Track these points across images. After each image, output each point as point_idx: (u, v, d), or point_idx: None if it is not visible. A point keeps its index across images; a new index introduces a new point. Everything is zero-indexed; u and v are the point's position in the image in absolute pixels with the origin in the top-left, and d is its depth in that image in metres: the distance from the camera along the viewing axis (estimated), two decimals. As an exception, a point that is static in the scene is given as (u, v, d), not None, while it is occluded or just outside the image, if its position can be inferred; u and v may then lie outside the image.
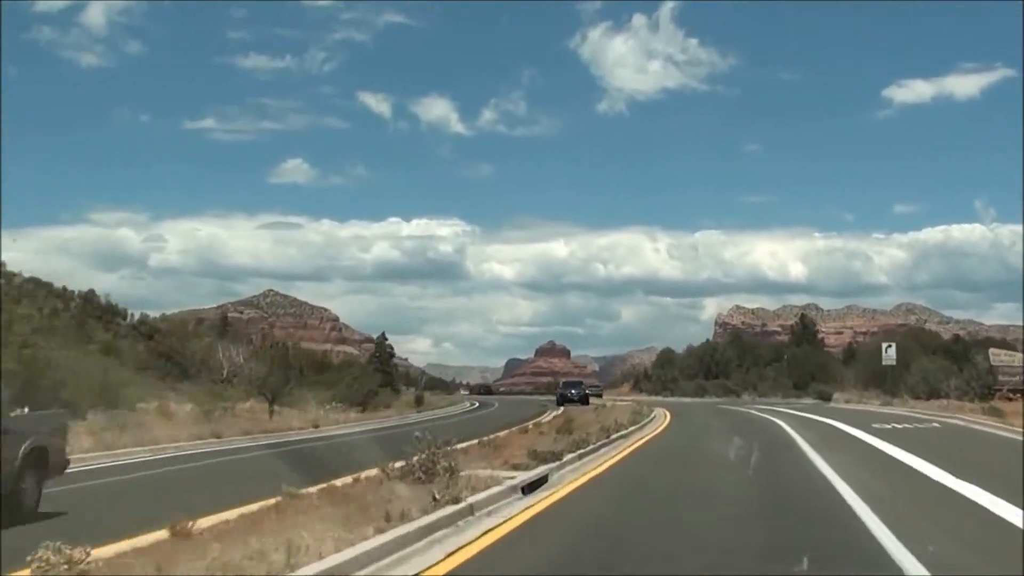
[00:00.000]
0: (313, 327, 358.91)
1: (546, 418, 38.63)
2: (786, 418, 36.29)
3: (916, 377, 57.37)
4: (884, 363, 51.71)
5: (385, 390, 67.34)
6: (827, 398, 62.72)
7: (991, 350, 50.29)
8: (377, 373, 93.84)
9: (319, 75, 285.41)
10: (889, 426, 29.26)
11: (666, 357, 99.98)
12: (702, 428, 32.68)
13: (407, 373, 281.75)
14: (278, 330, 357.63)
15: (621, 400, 64.84)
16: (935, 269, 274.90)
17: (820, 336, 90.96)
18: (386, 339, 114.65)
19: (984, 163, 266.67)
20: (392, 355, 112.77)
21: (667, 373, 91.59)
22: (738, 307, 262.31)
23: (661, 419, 38.33)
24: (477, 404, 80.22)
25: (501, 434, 24.93)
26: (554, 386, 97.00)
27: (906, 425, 30.48)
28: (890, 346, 51.67)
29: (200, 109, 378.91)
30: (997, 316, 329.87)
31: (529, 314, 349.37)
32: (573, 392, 62.33)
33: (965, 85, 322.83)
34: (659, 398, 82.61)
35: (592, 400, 61.27)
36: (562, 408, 52.30)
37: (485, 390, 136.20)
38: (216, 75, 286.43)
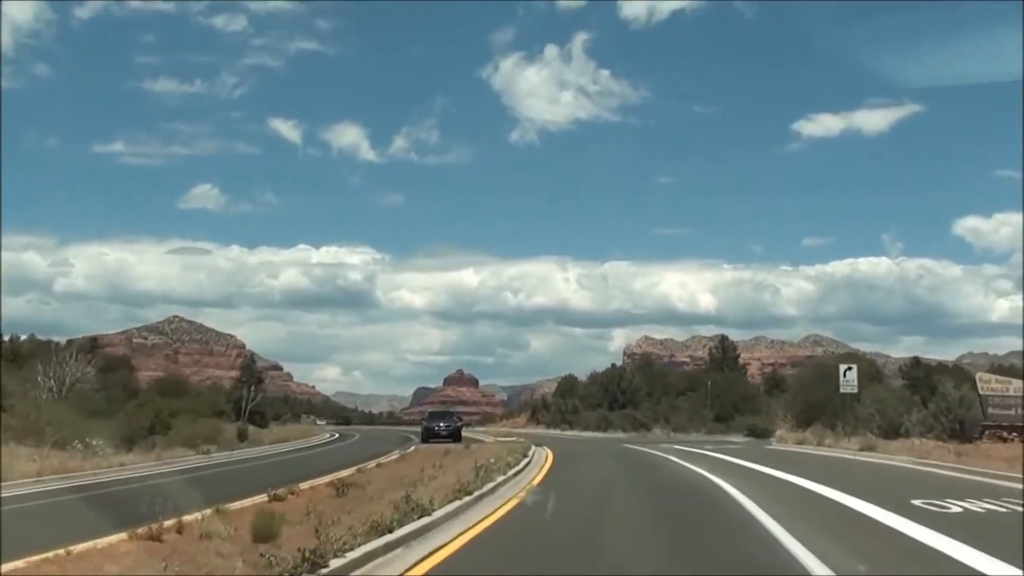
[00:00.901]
0: (219, 354, 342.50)
1: (380, 460, 28.32)
2: (726, 472, 21.91)
3: (869, 409, 44.41)
4: (843, 390, 37.95)
5: (212, 420, 52.01)
6: (761, 435, 49.04)
7: (979, 375, 37.25)
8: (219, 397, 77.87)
9: (229, 100, 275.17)
10: (947, 507, 14.21)
11: (567, 385, 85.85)
12: (593, 499, 17.33)
13: (309, 401, 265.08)
14: (183, 356, 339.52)
15: (503, 437, 50.25)
16: (842, 301, 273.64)
17: (742, 363, 78.22)
18: (254, 362, 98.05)
19: (892, 197, 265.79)
20: (261, 380, 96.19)
21: (568, 403, 77.53)
22: (646, 338, 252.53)
23: (535, 469, 23.80)
24: (335, 436, 71.12)
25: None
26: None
27: (972, 505, 14.44)
28: (850, 368, 37.90)
29: (109, 133, 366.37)
30: (903, 349, 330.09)
31: (439, 343, 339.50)
32: (441, 426, 47.30)
33: (873, 120, 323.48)
34: (555, 432, 68.07)
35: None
36: (418, 446, 38.28)
37: (345, 420, 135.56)
38: (125, 99, 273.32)
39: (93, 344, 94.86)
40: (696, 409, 65.11)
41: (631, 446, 39.92)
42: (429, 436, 45.41)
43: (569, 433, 65.51)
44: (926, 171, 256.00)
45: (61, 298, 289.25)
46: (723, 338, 78.02)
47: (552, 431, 68.89)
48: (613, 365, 79.63)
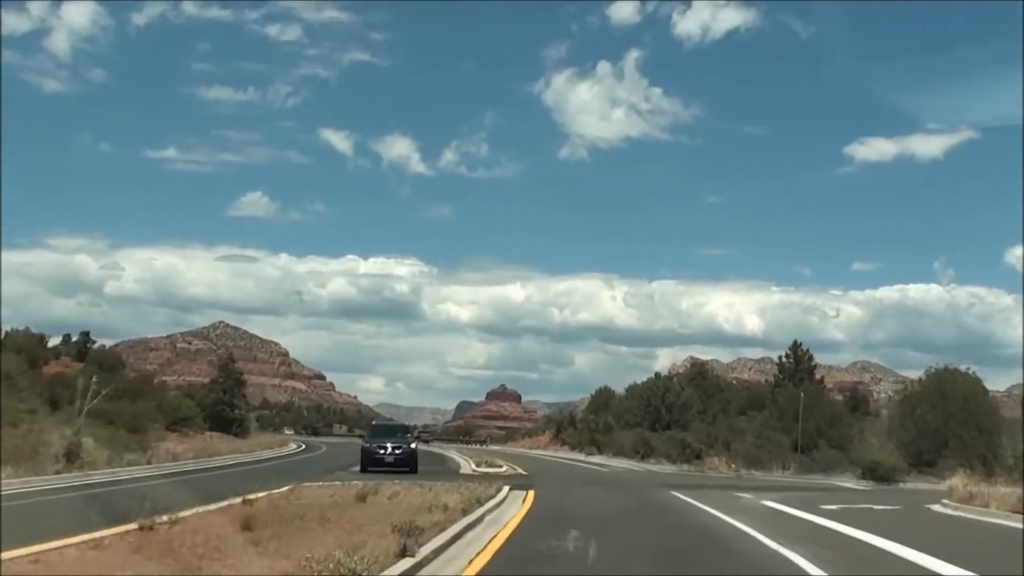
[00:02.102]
0: (263, 361, 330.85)
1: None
2: None
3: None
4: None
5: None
6: (886, 477, 30.83)
7: None
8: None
9: (282, 109, 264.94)
10: None
11: (601, 399, 68.28)
12: None
13: (352, 412, 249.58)
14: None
15: (490, 466, 33.09)
16: (891, 328, 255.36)
17: (819, 376, 59.92)
18: (234, 361, 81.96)
19: (944, 224, 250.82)
20: (241, 382, 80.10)
21: (599, 420, 60.13)
22: (692, 358, 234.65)
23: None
24: (301, 447, 60.84)
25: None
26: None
27: None
28: None
29: (162, 139, 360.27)
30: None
31: (483, 357, 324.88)
32: (388, 449, 29.91)
33: (928, 146, 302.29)
34: (576, 457, 50.87)
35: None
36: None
37: (313, 431, 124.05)
38: (179, 105, 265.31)
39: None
40: (765, 433, 47.14)
41: (692, 500, 21.21)
42: (370, 463, 28.48)
43: (595, 460, 48.09)
44: (979, 199, 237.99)
45: (111, 301, 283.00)
46: (795, 344, 60.27)
47: (573, 456, 52.10)
48: (657, 375, 61.92)
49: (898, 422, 46.66)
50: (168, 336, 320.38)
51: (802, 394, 45.20)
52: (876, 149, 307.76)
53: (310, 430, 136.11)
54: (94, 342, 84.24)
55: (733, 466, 38.27)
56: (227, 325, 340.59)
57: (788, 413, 48.26)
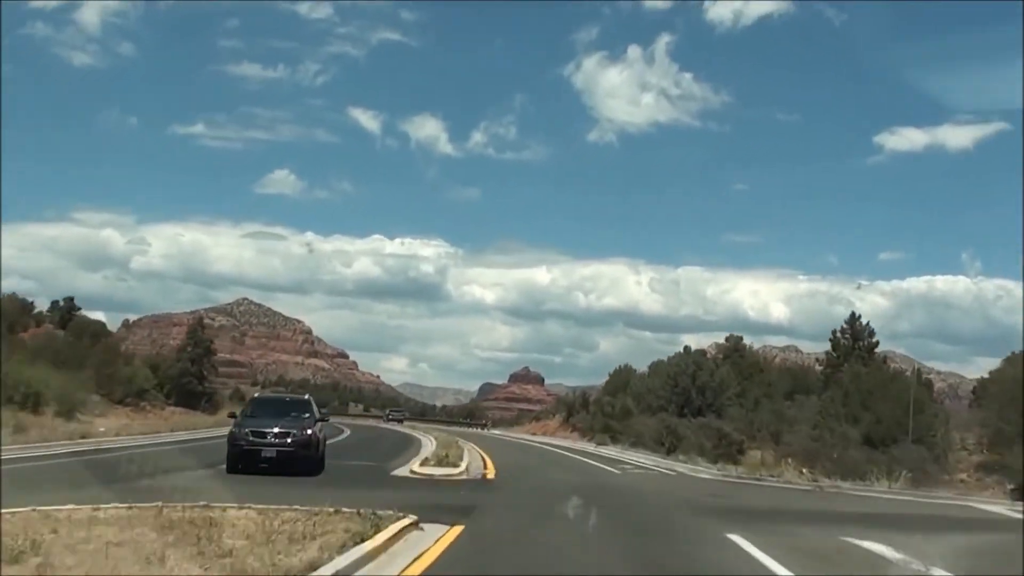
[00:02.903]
0: (286, 338, 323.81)
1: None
2: None
3: None
4: None
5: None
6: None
7: None
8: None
9: (311, 87, 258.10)
10: None
11: (620, 378, 57.06)
12: None
13: (370, 391, 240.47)
14: (250, 339, 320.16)
15: (461, 460, 22.14)
16: (917, 319, 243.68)
17: (880, 352, 48.20)
18: (203, 327, 71.42)
19: (973, 216, 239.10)
20: (211, 351, 69.73)
21: (616, 403, 49.08)
22: (716, 345, 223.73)
23: None
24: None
25: None
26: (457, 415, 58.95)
27: None
28: None
29: (190, 115, 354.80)
30: (977, 370, 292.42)
31: (507, 340, 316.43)
32: (267, 439, 18.98)
33: (959, 136, 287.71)
34: (585, 447, 39.79)
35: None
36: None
37: None
38: (207, 82, 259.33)
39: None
40: (827, 423, 35.79)
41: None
42: (241, 460, 17.79)
43: (607, 453, 36.99)
44: (1009, 190, 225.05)
45: (137, 276, 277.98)
46: (852, 316, 48.37)
47: (581, 445, 41.29)
48: (687, 349, 50.24)
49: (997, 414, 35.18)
50: (192, 312, 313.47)
51: (917, 370, 33.61)
52: (907, 139, 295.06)
53: None
54: (78, 309, 74.21)
55: (806, 472, 26.64)
56: (251, 302, 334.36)
57: (854, 398, 36.77)
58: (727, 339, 53.23)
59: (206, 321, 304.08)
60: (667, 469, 27.03)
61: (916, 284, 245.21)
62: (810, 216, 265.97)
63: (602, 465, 27.27)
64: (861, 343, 47.83)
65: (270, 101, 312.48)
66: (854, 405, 36.13)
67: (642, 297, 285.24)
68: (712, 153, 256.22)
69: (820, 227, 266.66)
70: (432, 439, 36.48)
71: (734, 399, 45.10)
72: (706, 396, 45.23)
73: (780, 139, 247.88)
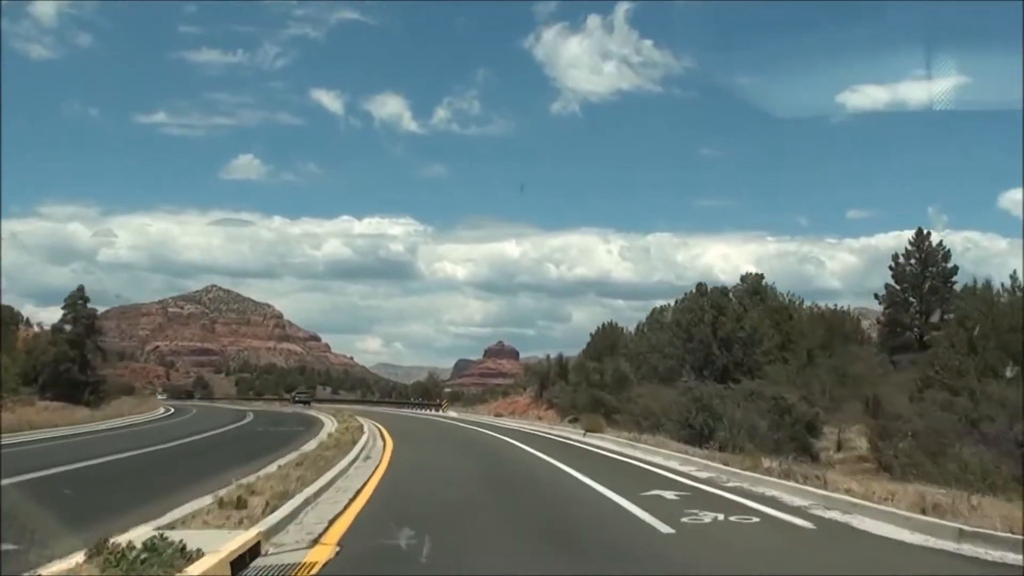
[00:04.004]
0: (256, 324, 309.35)
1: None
2: None
3: None
4: None
5: None
6: None
7: None
8: None
9: (272, 71, 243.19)
10: None
11: (606, 340, 42.39)
12: None
13: (338, 373, 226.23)
14: (220, 326, 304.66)
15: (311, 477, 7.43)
16: (887, 275, 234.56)
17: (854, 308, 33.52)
18: (84, 299, 56.21)
19: (937, 170, 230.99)
20: (96, 330, 54.88)
21: (606, 368, 34.46)
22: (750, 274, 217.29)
23: None
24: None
25: None
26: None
27: None
28: None
29: (151, 103, 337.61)
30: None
31: (480, 315, 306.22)
32: None
33: (918, 91, 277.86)
34: (565, 433, 25.03)
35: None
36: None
37: (187, 394, 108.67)
38: (168, 69, 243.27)
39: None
40: (951, 380, 21.96)
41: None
42: None
43: (606, 447, 21.98)
44: (972, 143, 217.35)
45: (105, 268, 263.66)
46: (920, 234, 34.16)
47: (560, 430, 26.87)
48: (700, 287, 34.93)
49: None
50: (160, 301, 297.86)
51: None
52: (869, 96, 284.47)
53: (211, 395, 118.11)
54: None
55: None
56: (219, 289, 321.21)
57: (987, 337, 22.86)
58: (742, 279, 39.05)
59: (173, 310, 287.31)
60: (757, 504, 11.55)
61: (884, 240, 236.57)
62: (778, 178, 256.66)
63: (633, 507, 11.37)
64: (933, 268, 34.05)
65: (231, 86, 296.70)
66: (991, 352, 22.20)
67: (613, 265, 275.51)
68: (678, 119, 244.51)
69: (788, 189, 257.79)
70: (327, 434, 22.26)
71: (776, 353, 31.13)
72: (733, 352, 31.25)
73: (744, 103, 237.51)
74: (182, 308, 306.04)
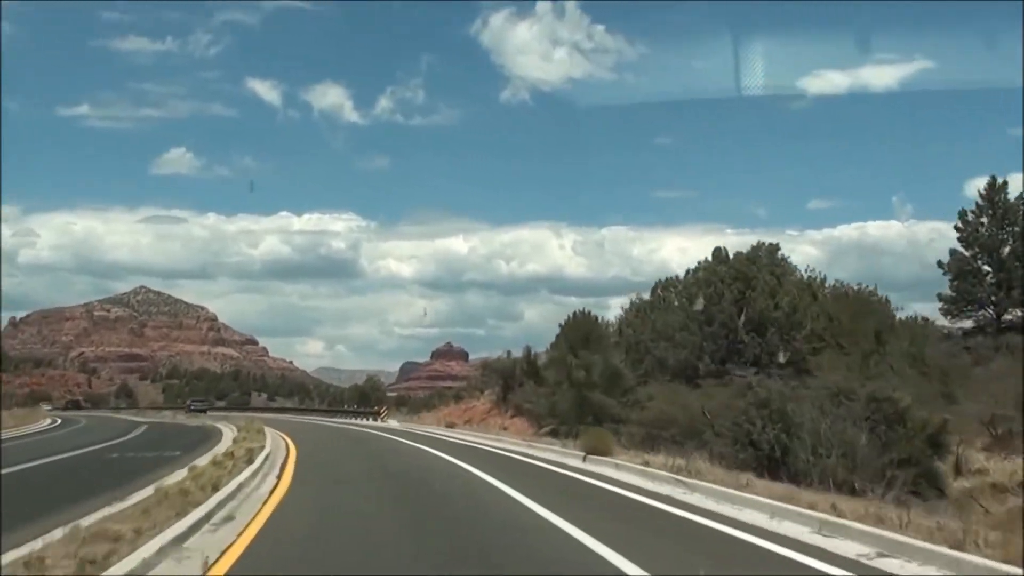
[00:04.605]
0: (189, 327, 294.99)
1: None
2: None
3: None
4: None
5: None
6: None
7: None
8: None
9: (204, 59, 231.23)
10: None
11: (579, 332, 33.74)
12: None
13: (273, 378, 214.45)
14: (150, 329, 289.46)
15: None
16: (851, 267, 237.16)
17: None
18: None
19: (901, 158, 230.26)
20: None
21: (595, 362, 26.30)
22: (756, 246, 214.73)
23: None
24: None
25: None
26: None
27: None
28: None
29: (74, 95, 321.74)
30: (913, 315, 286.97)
31: (428, 314, 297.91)
32: None
33: (881, 77, 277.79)
34: (567, 461, 16.54)
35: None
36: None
37: (75, 405, 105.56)
38: (91, 59, 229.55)
39: None
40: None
41: None
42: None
43: (622, 492, 13.88)
44: (936, 130, 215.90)
45: (26, 270, 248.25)
46: (993, 182, 26.74)
47: (551, 452, 18.63)
48: (718, 251, 26.65)
49: None
50: (85, 305, 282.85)
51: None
52: (830, 82, 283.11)
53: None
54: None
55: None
56: (149, 290, 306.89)
57: None
58: (753, 247, 30.94)
59: (99, 314, 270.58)
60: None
61: (847, 231, 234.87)
62: (736, 168, 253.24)
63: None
64: (1012, 226, 26.55)
65: (161, 76, 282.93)
66: None
67: (566, 261, 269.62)
68: (632, 107, 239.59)
69: (747, 179, 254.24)
70: (208, 460, 13.53)
71: (819, 340, 23.25)
72: (767, 338, 23.31)
73: (701, 89, 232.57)
74: (109, 311, 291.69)
